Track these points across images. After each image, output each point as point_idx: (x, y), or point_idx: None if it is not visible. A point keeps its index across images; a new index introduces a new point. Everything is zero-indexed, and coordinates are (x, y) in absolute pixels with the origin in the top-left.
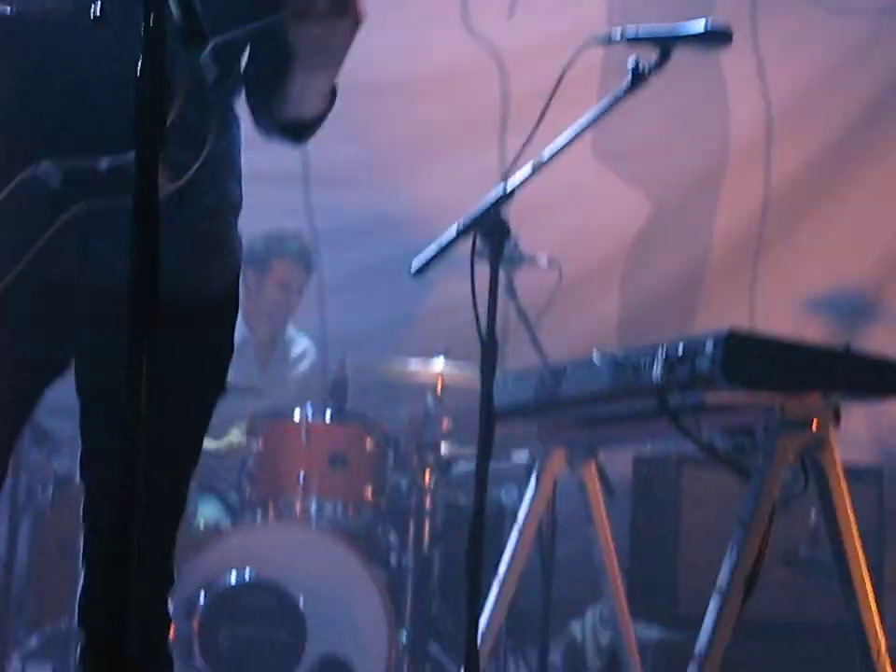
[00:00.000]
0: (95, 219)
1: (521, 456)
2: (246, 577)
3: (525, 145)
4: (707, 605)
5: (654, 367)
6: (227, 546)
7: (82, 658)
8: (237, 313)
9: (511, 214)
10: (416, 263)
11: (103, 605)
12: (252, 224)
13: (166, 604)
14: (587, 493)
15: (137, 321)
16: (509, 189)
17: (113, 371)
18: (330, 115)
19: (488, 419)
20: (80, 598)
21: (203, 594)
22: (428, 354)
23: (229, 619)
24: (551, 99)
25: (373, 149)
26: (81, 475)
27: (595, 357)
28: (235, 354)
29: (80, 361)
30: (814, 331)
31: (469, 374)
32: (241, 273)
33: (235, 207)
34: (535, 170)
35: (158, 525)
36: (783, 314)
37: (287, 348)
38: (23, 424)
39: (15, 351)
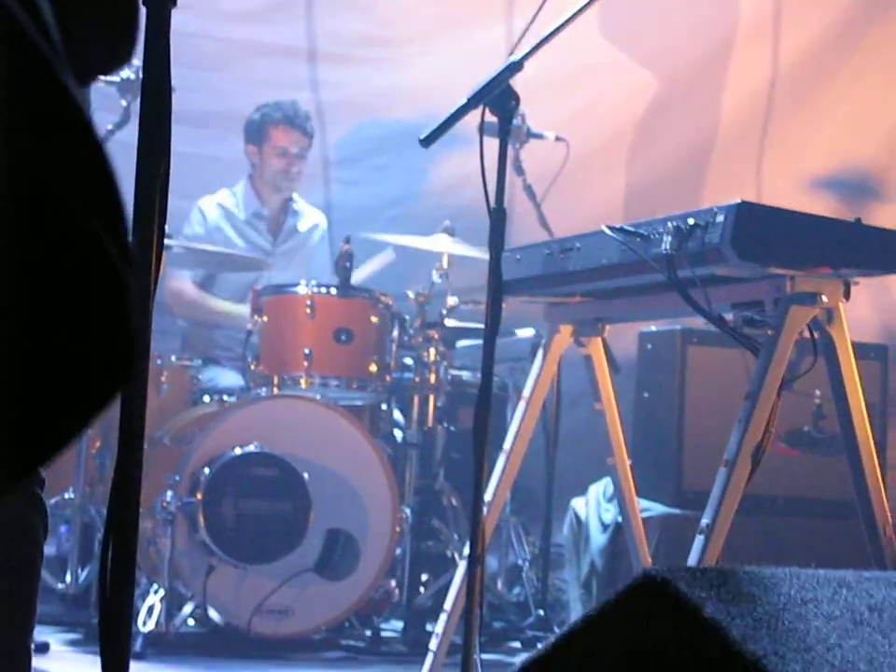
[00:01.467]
0: None
1: (526, 334)
2: (251, 450)
3: (532, 19)
4: (712, 482)
5: (664, 239)
6: (231, 421)
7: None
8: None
9: (520, 92)
10: (425, 133)
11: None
12: (259, 99)
13: None
14: (593, 369)
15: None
16: (518, 59)
17: None
18: None
19: (496, 289)
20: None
21: (207, 468)
22: (434, 230)
23: (233, 492)
24: None
25: (380, 24)
26: None
27: (605, 229)
28: (248, 227)
29: None
30: (820, 210)
31: (475, 250)
32: (245, 147)
33: None
34: (544, 40)
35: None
36: (790, 192)
37: (297, 220)
38: None
39: None
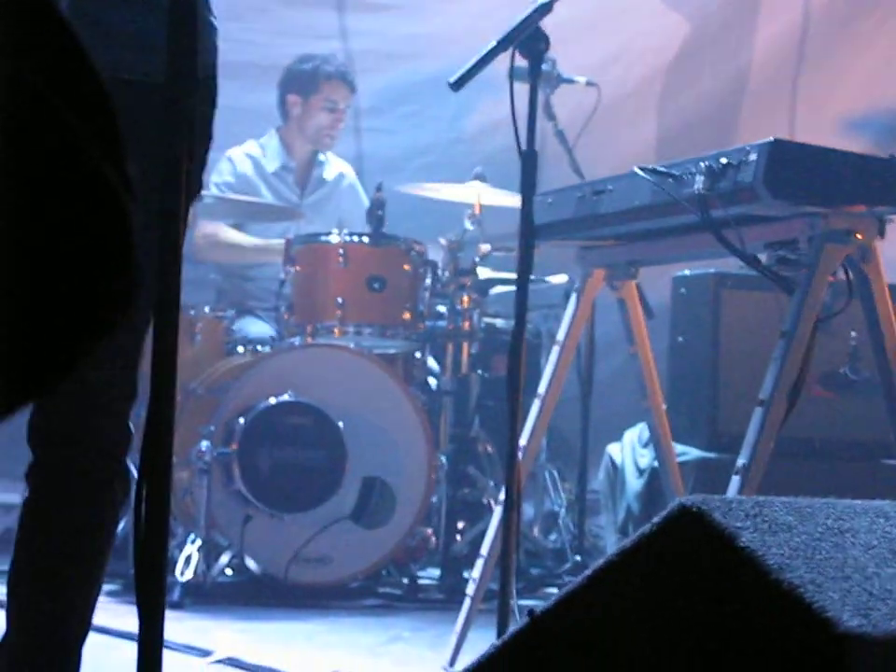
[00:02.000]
0: None
1: (559, 280)
2: (286, 399)
3: None
4: (747, 426)
5: (696, 179)
6: (265, 370)
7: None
8: (215, 101)
9: (550, 37)
10: (455, 76)
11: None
12: (286, 49)
13: (126, 418)
14: (627, 313)
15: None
16: (547, 0)
17: None
18: None
19: (528, 232)
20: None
21: (241, 417)
22: (466, 178)
23: (268, 441)
24: None
25: None
26: None
27: (637, 170)
28: (277, 179)
29: None
30: (853, 150)
31: (506, 196)
32: (282, 98)
33: None
34: None
35: (122, 337)
36: (823, 133)
37: (322, 170)
38: None
39: None
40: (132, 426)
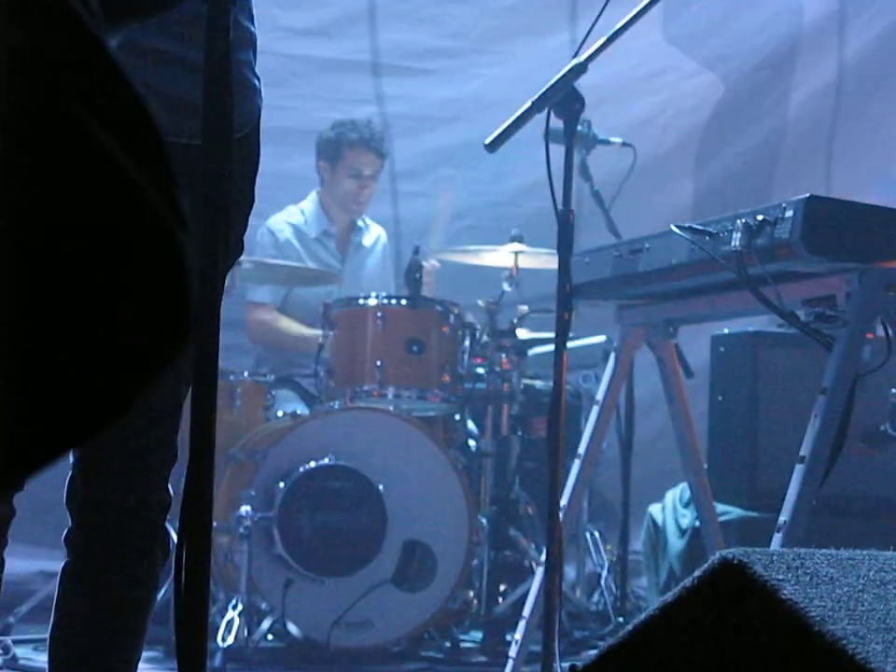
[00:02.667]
0: None
1: (598, 340)
2: (326, 463)
3: (595, 20)
4: (788, 484)
5: (733, 236)
6: (305, 434)
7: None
8: (257, 161)
9: (586, 99)
10: (490, 137)
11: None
12: (323, 114)
13: (166, 482)
14: (666, 372)
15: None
16: (582, 61)
17: None
18: (399, 1)
19: (566, 291)
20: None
21: (281, 481)
22: (503, 240)
23: (309, 505)
24: None
25: (443, 35)
26: None
27: (673, 228)
28: (318, 245)
29: None
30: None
31: (544, 257)
32: (316, 164)
33: (247, 43)
34: (608, 41)
35: (164, 398)
36: (858, 189)
37: (363, 236)
38: None
39: None
40: (171, 490)
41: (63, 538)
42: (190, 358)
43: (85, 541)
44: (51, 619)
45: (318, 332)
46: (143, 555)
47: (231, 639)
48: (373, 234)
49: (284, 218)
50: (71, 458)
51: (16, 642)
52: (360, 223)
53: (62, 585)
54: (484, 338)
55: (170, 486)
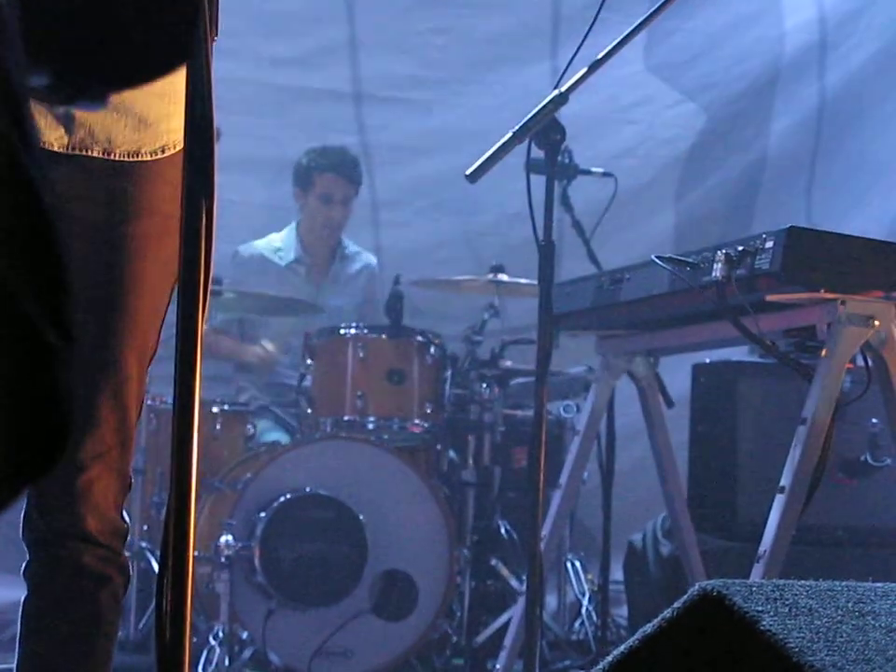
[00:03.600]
0: None
1: (579, 371)
2: (306, 492)
3: (577, 49)
4: (767, 513)
5: (714, 267)
6: (286, 464)
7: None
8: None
9: (566, 130)
10: (471, 168)
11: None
12: (304, 144)
13: (121, 510)
14: (647, 402)
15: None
16: (563, 92)
17: None
18: (380, 31)
19: (547, 322)
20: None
21: (262, 511)
22: (484, 270)
23: (289, 535)
24: (601, 7)
25: (424, 66)
26: None
27: (654, 259)
28: (289, 272)
29: None
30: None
31: (525, 288)
32: (292, 190)
33: None
34: (588, 72)
35: (108, 428)
36: (841, 221)
37: (346, 265)
38: None
39: None
40: (126, 516)
41: (21, 572)
42: (142, 381)
43: (41, 575)
44: (16, 655)
45: (254, 348)
46: (100, 585)
47: (211, 669)
48: (359, 263)
49: (258, 244)
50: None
51: None
52: (347, 251)
53: (23, 621)
54: (465, 367)
55: (125, 514)
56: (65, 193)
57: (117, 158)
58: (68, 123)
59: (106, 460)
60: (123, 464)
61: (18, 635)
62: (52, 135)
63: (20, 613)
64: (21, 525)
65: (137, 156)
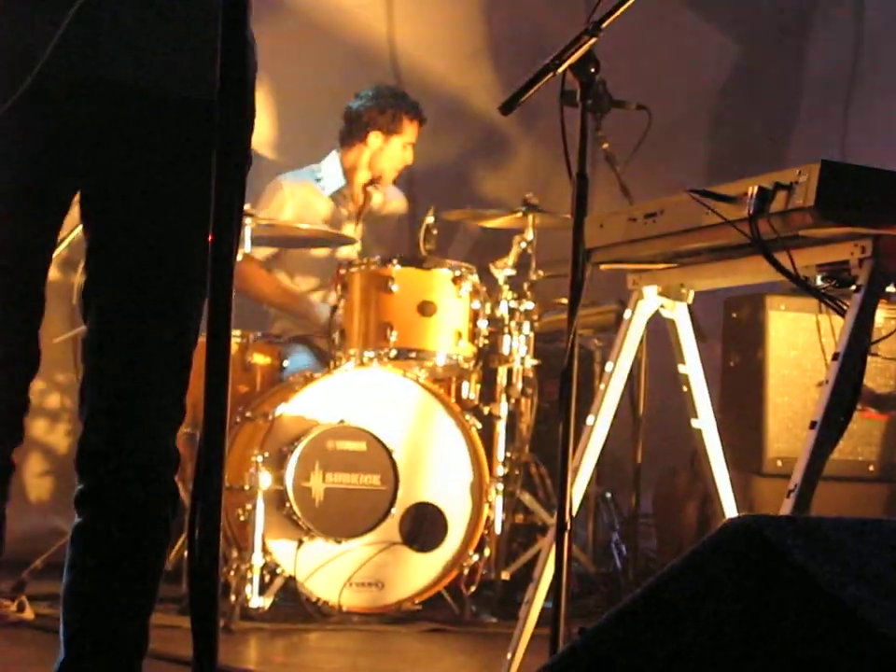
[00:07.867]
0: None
1: (610, 304)
2: (338, 423)
3: None
4: (798, 450)
5: (747, 201)
6: (318, 396)
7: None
8: (252, 120)
9: (600, 61)
10: (505, 100)
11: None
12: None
13: (170, 440)
14: (677, 333)
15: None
16: (597, 22)
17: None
18: None
19: (580, 256)
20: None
21: (294, 442)
22: (517, 203)
23: (321, 466)
24: None
25: None
26: (85, 320)
27: (687, 193)
28: (334, 204)
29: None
30: None
31: (557, 221)
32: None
33: None
34: (623, 1)
35: (165, 357)
36: (875, 153)
37: (378, 202)
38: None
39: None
40: (179, 447)
41: (73, 499)
42: (197, 319)
43: (92, 502)
44: (64, 578)
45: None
46: (149, 513)
47: (241, 599)
48: (394, 203)
49: (299, 175)
50: (82, 415)
51: (30, 598)
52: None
53: (73, 545)
54: (497, 300)
55: (178, 445)
56: None
57: None
58: None
59: (160, 389)
60: (177, 395)
61: (67, 559)
62: None
63: (68, 539)
64: (75, 452)
65: None
